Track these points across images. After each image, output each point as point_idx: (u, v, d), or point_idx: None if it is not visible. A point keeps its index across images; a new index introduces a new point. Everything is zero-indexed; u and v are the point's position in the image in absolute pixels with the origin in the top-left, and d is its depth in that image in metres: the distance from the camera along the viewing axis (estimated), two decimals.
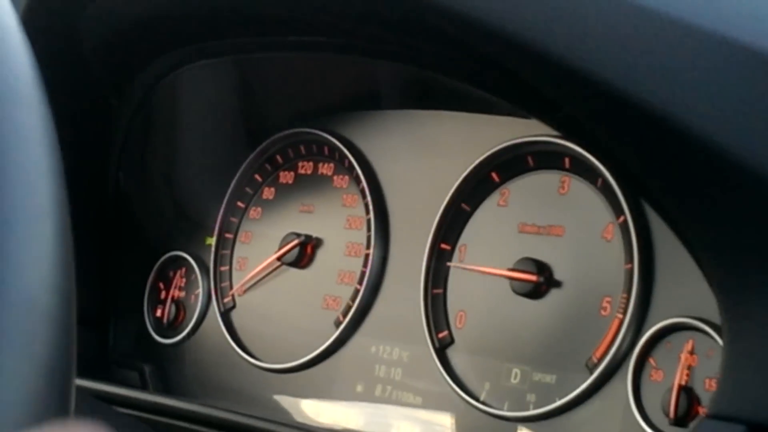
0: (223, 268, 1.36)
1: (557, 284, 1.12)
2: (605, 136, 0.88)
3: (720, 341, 0.99)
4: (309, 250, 1.30)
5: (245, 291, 1.34)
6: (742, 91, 0.78)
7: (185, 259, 1.38)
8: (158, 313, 1.38)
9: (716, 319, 0.99)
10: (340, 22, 1.07)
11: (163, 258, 1.39)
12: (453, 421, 1.17)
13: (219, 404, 1.22)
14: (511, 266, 1.14)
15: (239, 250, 1.36)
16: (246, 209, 1.36)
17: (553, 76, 0.84)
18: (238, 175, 1.36)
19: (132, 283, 1.39)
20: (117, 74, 1.29)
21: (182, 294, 1.38)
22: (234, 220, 1.36)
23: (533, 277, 1.12)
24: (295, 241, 1.29)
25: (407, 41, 1.03)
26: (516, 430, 1.12)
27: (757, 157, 0.77)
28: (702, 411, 1.00)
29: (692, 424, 1.00)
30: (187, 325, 1.36)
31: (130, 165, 1.35)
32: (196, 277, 1.36)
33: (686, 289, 1.04)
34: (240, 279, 1.34)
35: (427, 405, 1.19)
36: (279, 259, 1.30)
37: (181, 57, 1.28)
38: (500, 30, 0.85)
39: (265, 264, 1.32)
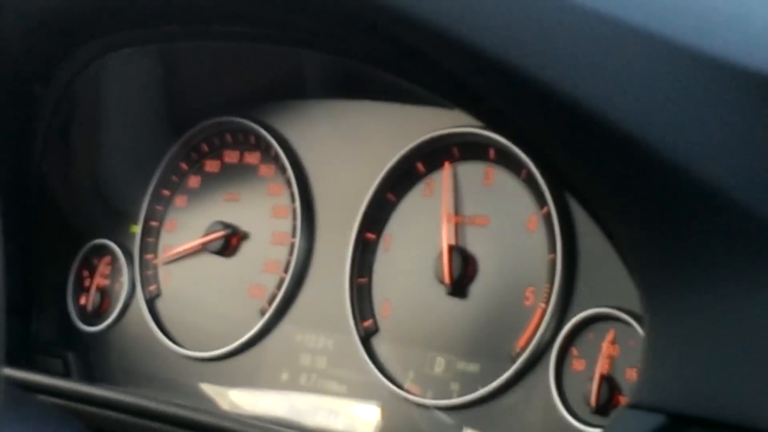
0: (148, 257, 1.35)
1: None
2: (529, 128, 0.88)
3: (641, 331, 1.00)
4: (234, 238, 1.29)
5: (171, 280, 1.33)
6: (664, 85, 0.79)
7: (110, 247, 1.36)
8: (82, 301, 1.37)
9: (638, 309, 1.00)
10: (265, 13, 1.07)
11: (87, 246, 1.38)
12: (377, 409, 1.17)
13: (144, 393, 1.21)
14: (435, 256, 1.15)
15: (165, 239, 1.35)
16: (171, 197, 1.35)
17: (478, 69, 0.84)
18: (163, 163, 1.35)
19: (56, 271, 1.38)
20: (40, 62, 1.28)
21: (107, 282, 1.37)
22: (159, 208, 1.35)
23: (447, 280, 1.13)
24: (221, 231, 1.29)
25: (332, 31, 1.03)
26: (439, 418, 1.13)
27: (678, 151, 0.78)
28: (623, 400, 1.01)
29: (613, 414, 1.01)
30: (111, 314, 1.35)
31: (54, 152, 1.34)
32: (120, 265, 1.35)
33: (608, 280, 1.05)
34: (165, 267, 1.34)
35: (351, 393, 1.19)
36: (204, 246, 1.30)
37: (105, 45, 1.27)
38: (426, 22, 0.85)
39: (189, 248, 1.32)
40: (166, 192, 1.36)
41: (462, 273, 1.13)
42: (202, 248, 1.31)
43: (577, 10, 0.80)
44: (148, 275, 1.34)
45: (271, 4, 1.01)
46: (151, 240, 1.35)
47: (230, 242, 1.29)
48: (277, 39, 1.15)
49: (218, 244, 1.29)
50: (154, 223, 1.36)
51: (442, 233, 1.15)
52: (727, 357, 0.78)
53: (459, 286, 1.14)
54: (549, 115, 0.82)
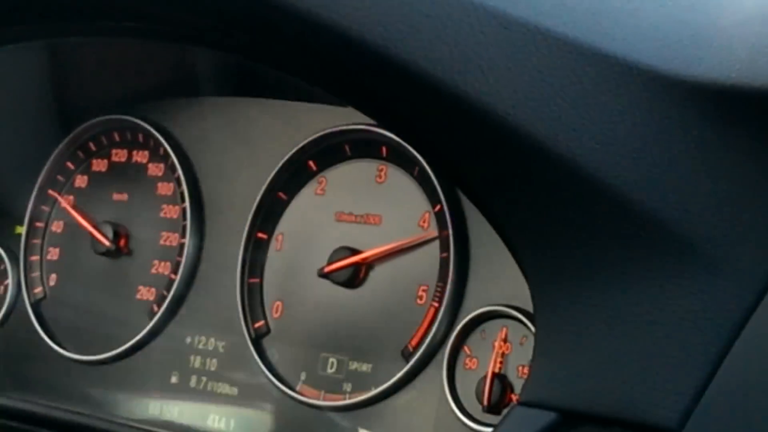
0: (33, 258, 1.32)
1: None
2: (418, 124, 0.88)
3: (533, 329, 1.00)
4: (123, 239, 1.27)
5: (57, 282, 1.31)
6: (552, 80, 0.79)
7: None
8: None
9: (530, 307, 1.00)
10: (151, 9, 1.05)
11: None
12: (269, 411, 1.16)
13: (30, 398, 1.19)
14: (328, 255, 1.14)
15: (50, 240, 1.32)
16: (57, 197, 1.33)
17: (367, 65, 0.84)
18: (49, 162, 1.32)
19: None
20: None
21: None
22: (45, 208, 1.33)
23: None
24: (109, 231, 1.27)
25: (219, 28, 1.01)
26: (332, 419, 1.12)
27: (566, 146, 0.78)
28: (515, 398, 1.01)
29: (504, 412, 1.00)
30: None
31: None
32: (5, 267, 1.32)
33: (501, 278, 1.05)
34: (51, 269, 1.31)
35: (243, 396, 1.18)
36: (92, 248, 1.27)
37: None
38: (313, 16, 0.84)
39: (81, 221, 1.29)
40: (52, 192, 1.33)
41: (353, 273, 1.12)
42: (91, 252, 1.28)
43: (465, 4, 0.80)
44: (33, 277, 1.32)
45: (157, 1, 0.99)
46: (36, 241, 1.32)
47: (118, 242, 1.27)
48: (165, 36, 1.13)
49: (106, 245, 1.27)
50: (39, 224, 1.33)
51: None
52: (616, 353, 0.78)
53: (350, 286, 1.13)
54: (436, 111, 0.82)
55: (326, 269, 1.13)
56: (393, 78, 0.82)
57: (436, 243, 1.09)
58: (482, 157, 0.82)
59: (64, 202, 1.31)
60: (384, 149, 1.14)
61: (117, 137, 1.31)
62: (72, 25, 1.18)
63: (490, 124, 0.79)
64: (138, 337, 1.23)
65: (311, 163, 1.18)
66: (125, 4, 1.04)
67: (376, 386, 1.09)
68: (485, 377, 1.03)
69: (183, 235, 1.24)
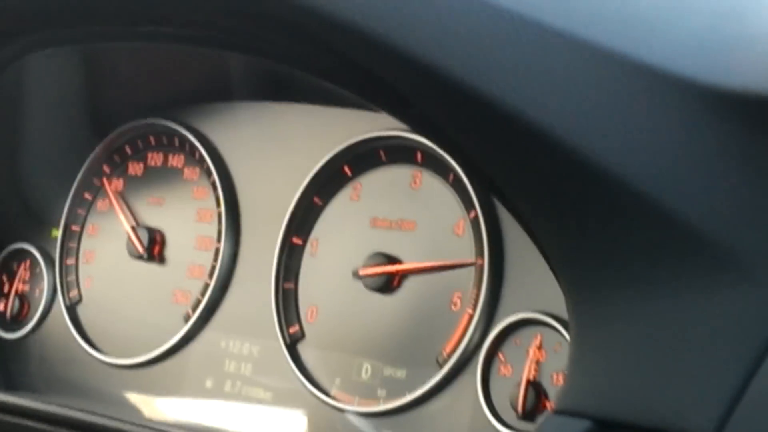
0: (69, 261, 1.33)
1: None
2: (455, 133, 0.88)
3: (567, 336, 1.00)
4: (158, 243, 1.28)
5: (92, 285, 1.31)
6: (589, 90, 0.79)
7: (30, 252, 1.34)
8: (1, 306, 1.35)
9: (564, 314, 1.00)
10: (189, 14, 1.06)
11: (6, 250, 1.35)
12: (303, 416, 1.16)
13: (65, 401, 1.19)
14: (362, 261, 1.14)
15: (86, 243, 1.33)
16: (93, 201, 1.34)
17: (403, 73, 0.84)
18: (85, 166, 1.33)
19: None
20: None
21: (26, 287, 1.34)
22: (81, 212, 1.34)
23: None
24: (144, 235, 1.27)
25: (257, 34, 1.02)
26: (366, 425, 1.12)
27: (603, 156, 0.78)
28: (549, 406, 1.01)
29: (539, 419, 1.00)
30: (31, 320, 1.33)
31: None
32: (41, 270, 1.33)
33: (535, 284, 1.05)
34: (87, 272, 1.32)
35: (277, 400, 1.18)
36: (127, 252, 1.28)
37: (27, 44, 1.24)
38: (351, 24, 0.84)
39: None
40: (87, 195, 1.34)
41: (388, 280, 1.12)
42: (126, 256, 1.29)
43: (502, 14, 0.80)
44: (69, 280, 1.32)
45: (195, 7, 1.00)
46: (72, 245, 1.33)
47: (154, 246, 1.27)
48: (202, 41, 1.14)
49: (141, 249, 1.27)
50: (75, 228, 1.34)
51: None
52: (650, 362, 0.78)
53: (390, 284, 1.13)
54: (474, 120, 0.82)
55: (361, 272, 1.13)
56: (427, 86, 0.82)
57: (472, 249, 1.09)
58: (517, 166, 0.82)
59: (107, 203, 1.32)
60: (419, 155, 1.14)
61: (153, 141, 1.32)
62: (108, 29, 1.19)
63: (525, 132, 0.79)
64: (173, 342, 1.24)
65: (346, 168, 1.18)
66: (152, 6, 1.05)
67: (411, 392, 1.09)
68: (519, 384, 1.02)
69: (218, 240, 1.24)
